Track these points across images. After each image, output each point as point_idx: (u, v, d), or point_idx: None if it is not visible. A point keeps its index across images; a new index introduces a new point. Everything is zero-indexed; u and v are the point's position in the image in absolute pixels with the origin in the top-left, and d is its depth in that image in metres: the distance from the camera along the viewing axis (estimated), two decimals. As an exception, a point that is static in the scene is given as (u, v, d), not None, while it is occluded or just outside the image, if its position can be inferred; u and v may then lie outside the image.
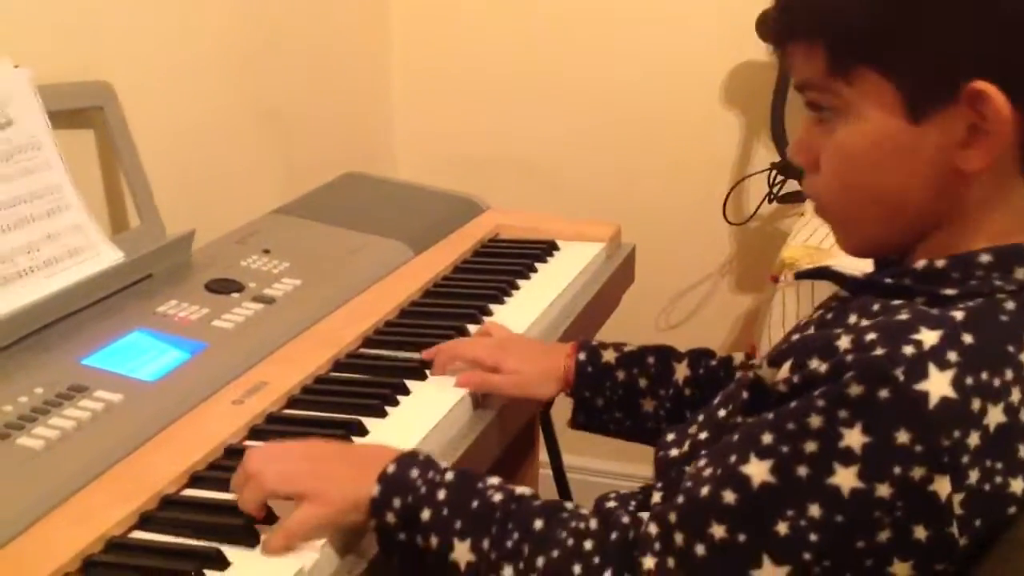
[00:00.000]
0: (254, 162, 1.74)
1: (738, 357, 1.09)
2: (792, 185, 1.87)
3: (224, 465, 0.96)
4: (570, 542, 0.78)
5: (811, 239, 1.57)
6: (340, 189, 1.70)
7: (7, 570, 0.80)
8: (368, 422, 1.03)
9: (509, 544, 0.79)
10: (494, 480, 0.84)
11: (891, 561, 0.69)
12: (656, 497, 0.91)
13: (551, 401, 1.69)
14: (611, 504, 1.00)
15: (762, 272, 1.79)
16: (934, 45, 0.73)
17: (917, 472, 0.68)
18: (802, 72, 0.79)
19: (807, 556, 0.70)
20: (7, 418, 0.95)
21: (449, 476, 0.84)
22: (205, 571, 0.80)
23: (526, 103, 2.12)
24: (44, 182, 1.22)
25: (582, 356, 1.11)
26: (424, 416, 1.05)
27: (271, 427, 1.03)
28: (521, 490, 0.83)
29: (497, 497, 0.82)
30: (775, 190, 1.88)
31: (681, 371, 1.09)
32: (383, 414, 1.05)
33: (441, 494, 0.82)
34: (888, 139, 0.75)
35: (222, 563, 0.82)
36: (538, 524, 0.79)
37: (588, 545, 0.77)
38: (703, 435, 0.89)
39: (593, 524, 0.79)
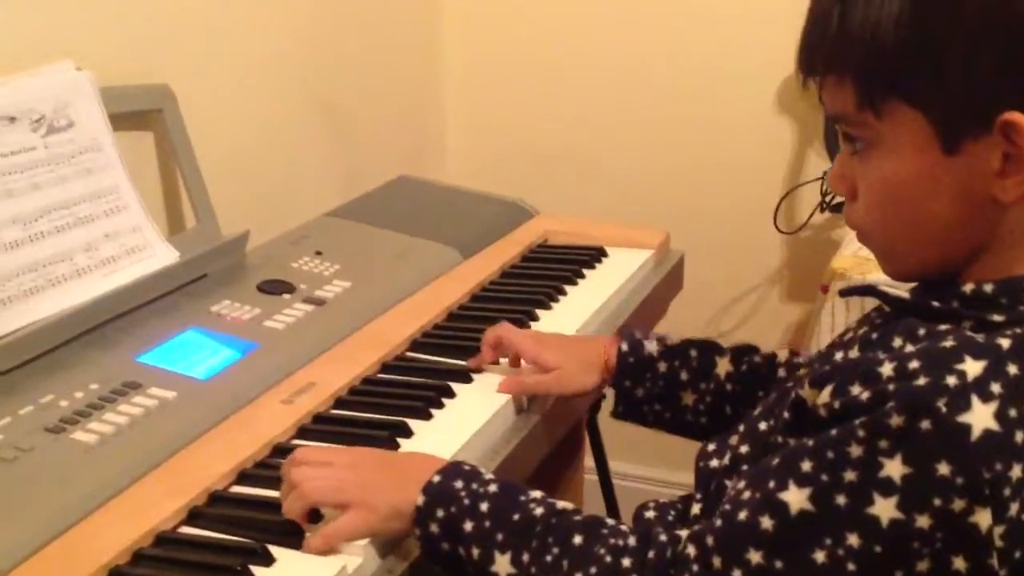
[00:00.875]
0: (308, 164, 1.77)
1: (783, 354, 1.09)
2: (845, 194, 1.85)
3: (272, 463, 0.98)
4: (608, 559, 0.78)
5: (863, 250, 1.56)
6: (392, 193, 1.72)
7: (59, 562, 0.82)
8: (413, 424, 1.04)
9: (548, 559, 0.79)
10: (537, 494, 0.85)
11: None
12: (695, 508, 0.91)
13: (598, 405, 1.70)
14: (650, 515, 1.00)
15: (813, 282, 1.78)
16: (963, 77, 0.72)
17: (958, 504, 0.67)
18: (833, 105, 0.78)
19: None
20: (62, 413, 0.98)
21: (493, 488, 0.84)
22: (251, 567, 0.82)
23: (578, 105, 2.12)
24: (104, 183, 1.25)
25: (624, 346, 1.11)
26: (468, 420, 1.06)
27: (318, 427, 1.05)
28: (563, 505, 0.84)
29: (539, 511, 0.82)
30: (828, 199, 1.87)
31: (723, 366, 1.09)
32: (428, 416, 1.06)
33: (484, 506, 0.83)
34: (923, 171, 0.75)
35: (267, 559, 0.83)
36: (578, 540, 0.80)
37: (626, 563, 0.78)
38: (744, 448, 0.88)
39: (632, 541, 0.79)
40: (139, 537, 0.85)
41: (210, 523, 0.89)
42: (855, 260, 1.53)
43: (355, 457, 0.91)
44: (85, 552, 0.83)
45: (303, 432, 1.04)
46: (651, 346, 1.11)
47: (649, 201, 2.07)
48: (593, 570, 0.78)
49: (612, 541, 0.79)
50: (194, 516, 0.90)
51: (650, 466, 2.18)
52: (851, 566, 0.69)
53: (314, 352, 1.17)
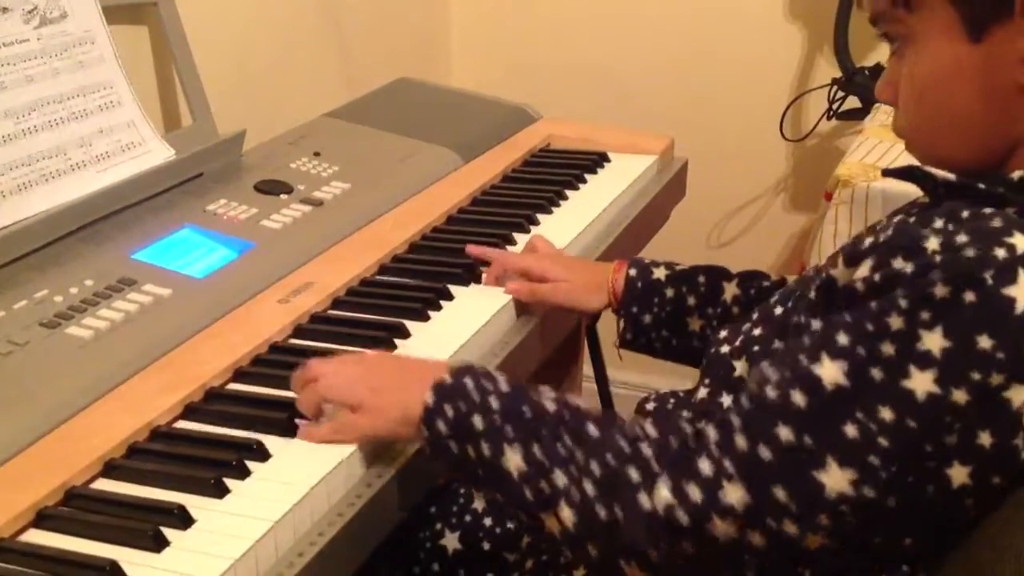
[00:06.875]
0: (310, 64, 1.73)
1: (792, 280, 1.08)
2: (853, 102, 1.82)
3: (268, 361, 0.98)
4: (626, 447, 0.75)
5: (868, 157, 1.54)
6: (392, 95, 1.69)
7: (54, 454, 0.82)
8: (411, 326, 1.04)
9: (561, 450, 0.77)
10: (550, 392, 0.82)
11: (951, 464, 0.68)
12: (702, 393, 0.90)
13: (598, 314, 1.70)
14: (651, 406, 1.00)
15: (817, 191, 1.75)
16: None
17: (995, 379, 0.66)
18: (872, 5, 0.80)
19: (874, 459, 0.68)
20: (57, 308, 0.98)
21: (504, 386, 0.82)
22: (246, 461, 0.82)
23: (585, 10, 2.08)
24: (97, 77, 1.23)
25: (632, 272, 1.10)
26: (466, 321, 1.05)
27: (315, 327, 1.04)
28: (577, 402, 0.81)
29: (552, 407, 0.80)
30: (835, 107, 1.84)
31: (730, 291, 1.08)
32: (426, 318, 1.06)
33: (494, 402, 0.80)
34: (950, 62, 0.75)
35: (263, 454, 0.83)
36: (592, 430, 0.77)
37: (646, 450, 0.75)
38: (757, 331, 0.87)
39: (651, 429, 0.77)
40: (135, 431, 0.85)
41: (206, 419, 0.89)
42: (860, 167, 1.51)
43: (372, 361, 0.90)
44: (80, 444, 0.83)
45: (300, 332, 1.03)
46: (659, 271, 1.10)
47: (655, 108, 2.04)
48: (610, 457, 0.75)
49: (630, 429, 0.77)
50: (190, 411, 0.90)
51: (648, 374, 2.18)
52: (882, 440, 0.68)
53: (312, 253, 1.16)
